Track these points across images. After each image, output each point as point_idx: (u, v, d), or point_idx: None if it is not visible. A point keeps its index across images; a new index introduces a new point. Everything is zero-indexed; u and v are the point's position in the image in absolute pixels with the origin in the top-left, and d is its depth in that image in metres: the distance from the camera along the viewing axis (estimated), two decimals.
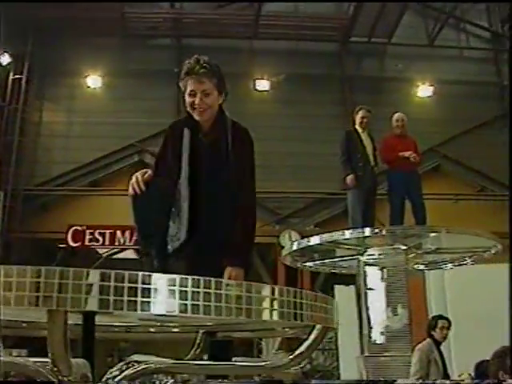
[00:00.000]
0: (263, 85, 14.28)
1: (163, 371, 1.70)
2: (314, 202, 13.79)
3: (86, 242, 12.30)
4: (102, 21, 13.75)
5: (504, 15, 16.01)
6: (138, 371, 1.51)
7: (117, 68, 14.03)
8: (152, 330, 2.00)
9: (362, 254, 5.80)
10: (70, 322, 1.88)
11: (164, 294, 1.14)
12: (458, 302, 8.78)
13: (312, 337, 1.46)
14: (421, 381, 4.95)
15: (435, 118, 14.30)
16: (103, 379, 1.50)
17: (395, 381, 4.96)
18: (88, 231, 12.30)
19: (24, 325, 1.95)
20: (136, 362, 1.54)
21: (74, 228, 12.24)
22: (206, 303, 1.19)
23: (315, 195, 13.71)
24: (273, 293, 1.29)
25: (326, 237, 5.43)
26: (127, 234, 12.40)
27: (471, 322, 7.55)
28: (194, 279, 1.19)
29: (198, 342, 2.09)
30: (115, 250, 13.88)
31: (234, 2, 15.23)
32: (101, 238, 12.37)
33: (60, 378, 1.24)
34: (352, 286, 11.68)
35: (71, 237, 12.20)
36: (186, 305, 1.16)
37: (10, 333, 1.98)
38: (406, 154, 6.89)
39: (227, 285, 1.18)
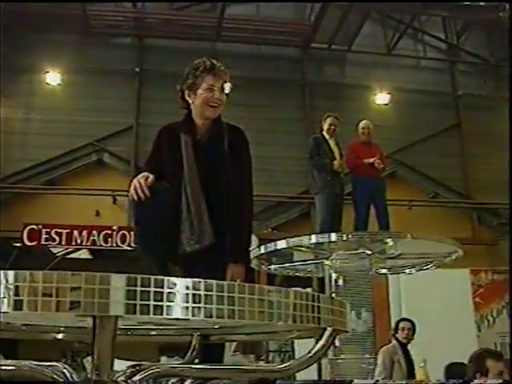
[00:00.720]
0: (225, 87, 14.29)
1: (172, 375, 1.72)
2: (271, 205, 13.87)
3: (42, 241, 12.08)
4: (63, 17, 13.58)
5: (460, 27, 16.50)
6: (147, 376, 1.51)
7: (77, 65, 13.83)
8: (153, 332, 2.02)
9: (327, 258, 5.91)
10: (72, 324, 1.90)
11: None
12: (414, 305, 9.01)
13: (323, 340, 1.51)
14: (381, 381, 5.08)
15: (392, 126, 14.56)
16: None
17: (352, 381, 5.06)
18: (44, 230, 12.08)
19: (24, 328, 1.94)
20: (139, 365, 1.55)
21: (30, 227, 12.01)
22: (241, 308, 1.23)
23: (273, 198, 13.80)
24: (294, 297, 1.34)
25: (294, 241, 5.51)
26: (84, 233, 12.24)
27: (427, 325, 7.75)
28: (229, 284, 1.24)
29: (193, 344, 2.13)
30: (69, 249, 13.69)
31: (196, 4, 15.25)
32: (57, 238, 12.15)
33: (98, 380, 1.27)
34: (309, 289, 11.89)
35: (27, 236, 11.97)
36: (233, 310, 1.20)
37: (8, 336, 1.97)
38: (371, 160, 7.03)
39: (269, 291, 1.23)
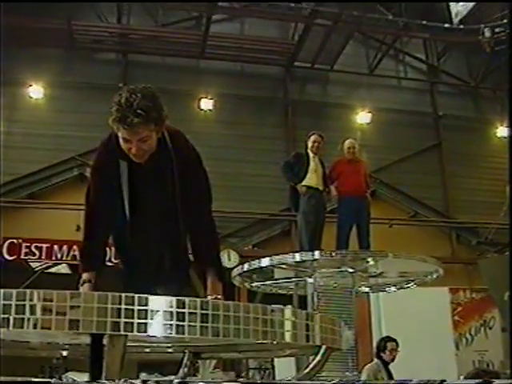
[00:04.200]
0: (207, 104, 14.40)
1: None
2: (253, 222, 13.93)
3: (22, 256, 11.98)
4: (48, 31, 13.59)
5: (440, 49, 16.79)
6: None
7: (60, 80, 13.81)
8: (147, 350, 2.05)
9: (310, 276, 5.95)
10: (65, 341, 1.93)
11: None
12: (394, 323, 9.07)
13: (318, 357, 1.56)
14: None
15: (373, 145, 14.74)
16: None
17: None
18: (24, 244, 12.00)
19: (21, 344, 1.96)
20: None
21: (10, 241, 11.92)
22: (236, 326, 1.27)
23: (254, 216, 13.86)
24: (291, 315, 1.39)
25: (278, 258, 5.55)
26: (65, 248, 12.17)
27: (406, 343, 7.81)
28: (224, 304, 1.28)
29: (185, 361, 2.16)
30: (48, 264, 13.58)
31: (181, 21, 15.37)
32: (37, 252, 12.08)
33: None
34: (289, 306, 11.92)
35: (7, 250, 11.87)
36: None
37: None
38: (333, 192, 7.25)
39: (272, 310, 1.28)
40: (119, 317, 1.20)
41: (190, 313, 1.25)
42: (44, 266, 13.57)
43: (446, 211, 15.08)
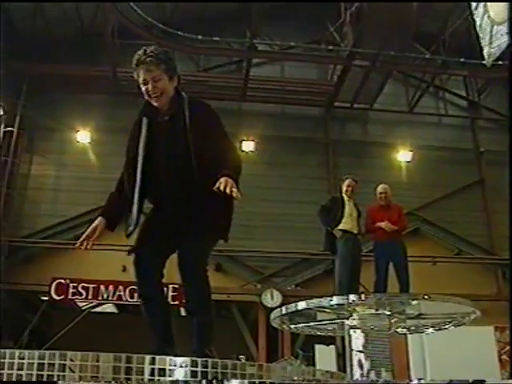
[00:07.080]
0: (249, 146, 14.64)
1: None
2: (295, 262, 13.97)
3: (70, 296, 12.29)
4: (95, 78, 14.13)
5: (480, 85, 16.73)
6: None
7: (106, 124, 14.28)
8: None
9: (347, 318, 5.98)
10: None
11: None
12: (438, 364, 8.94)
13: None
14: None
15: (414, 183, 14.75)
16: None
17: None
18: (72, 284, 12.31)
19: None
20: None
21: (58, 281, 12.26)
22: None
23: (297, 255, 13.91)
24: (292, 371, 1.52)
25: (315, 302, 5.61)
26: (111, 288, 12.43)
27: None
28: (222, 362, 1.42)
29: None
30: (95, 303, 13.85)
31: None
32: (84, 292, 12.37)
33: None
34: (332, 346, 11.83)
35: (54, 289, 12.20)
36: None
37: None
38: (382, 224, 7.20)
39: (274, 369, 1.42)
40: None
41: (202, 371, 1.38)
42: (91, 305, 13.87)
43: (491, 248, 14.84)
